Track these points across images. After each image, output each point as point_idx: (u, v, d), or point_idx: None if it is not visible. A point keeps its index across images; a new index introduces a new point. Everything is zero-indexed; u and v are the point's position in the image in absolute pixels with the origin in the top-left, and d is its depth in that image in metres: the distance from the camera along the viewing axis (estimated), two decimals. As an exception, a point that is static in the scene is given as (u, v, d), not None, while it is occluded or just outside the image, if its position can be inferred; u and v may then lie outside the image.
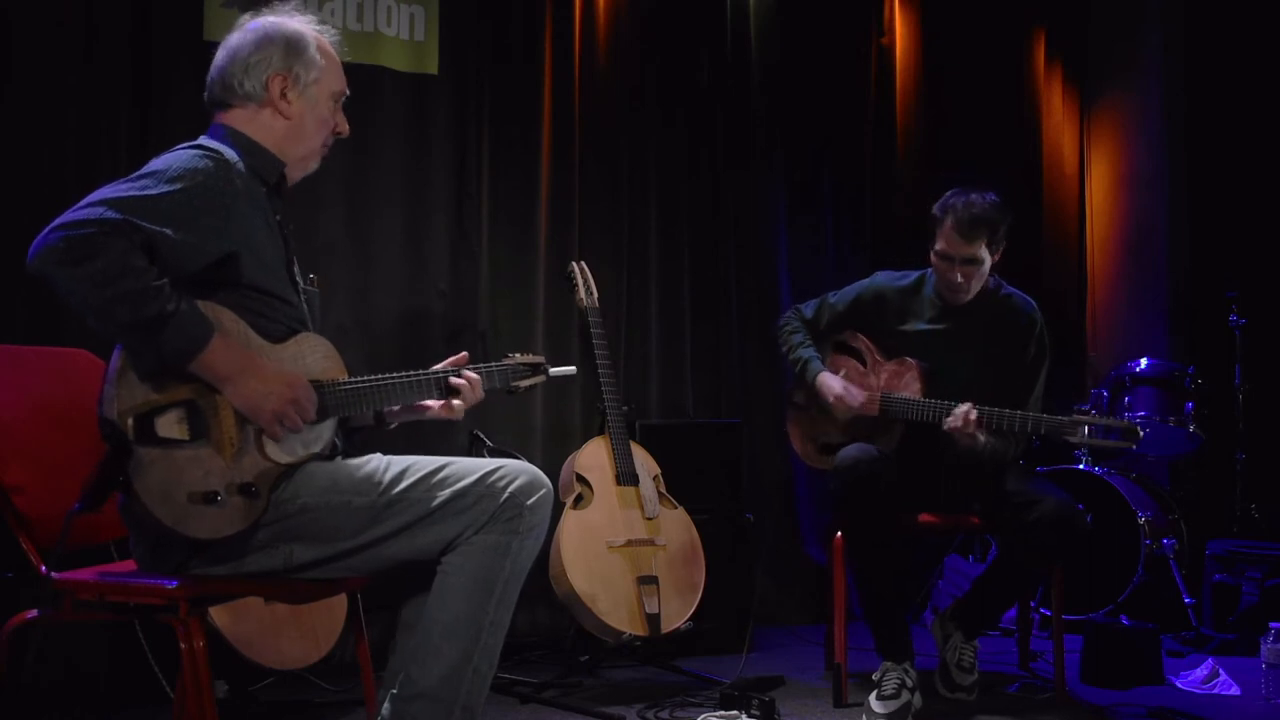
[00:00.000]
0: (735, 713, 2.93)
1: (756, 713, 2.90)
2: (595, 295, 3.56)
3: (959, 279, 3.19)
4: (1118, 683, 3.40)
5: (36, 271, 1.75)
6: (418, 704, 1.95)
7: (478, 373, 2.27)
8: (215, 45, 3.36)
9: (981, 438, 3.06)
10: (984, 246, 3.16)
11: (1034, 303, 3.32)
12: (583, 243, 4.10)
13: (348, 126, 2.21)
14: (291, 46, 2.09)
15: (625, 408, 3.52)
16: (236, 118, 2.08)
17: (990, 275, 3.29)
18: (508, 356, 2.37)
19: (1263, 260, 4.92)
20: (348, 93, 2.20)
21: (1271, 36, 5.02)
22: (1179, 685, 3.44)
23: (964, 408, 3.04)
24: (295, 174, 2.17)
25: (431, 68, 3.81)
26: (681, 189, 4.39)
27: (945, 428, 3.06)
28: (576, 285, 3.57)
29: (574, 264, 3.64)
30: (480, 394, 2.27)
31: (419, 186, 3.80)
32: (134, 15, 3.31)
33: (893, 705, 2.91)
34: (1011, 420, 3.04)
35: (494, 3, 3.96)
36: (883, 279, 3.42)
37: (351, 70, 3.75)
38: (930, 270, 3.30)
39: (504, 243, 3.97)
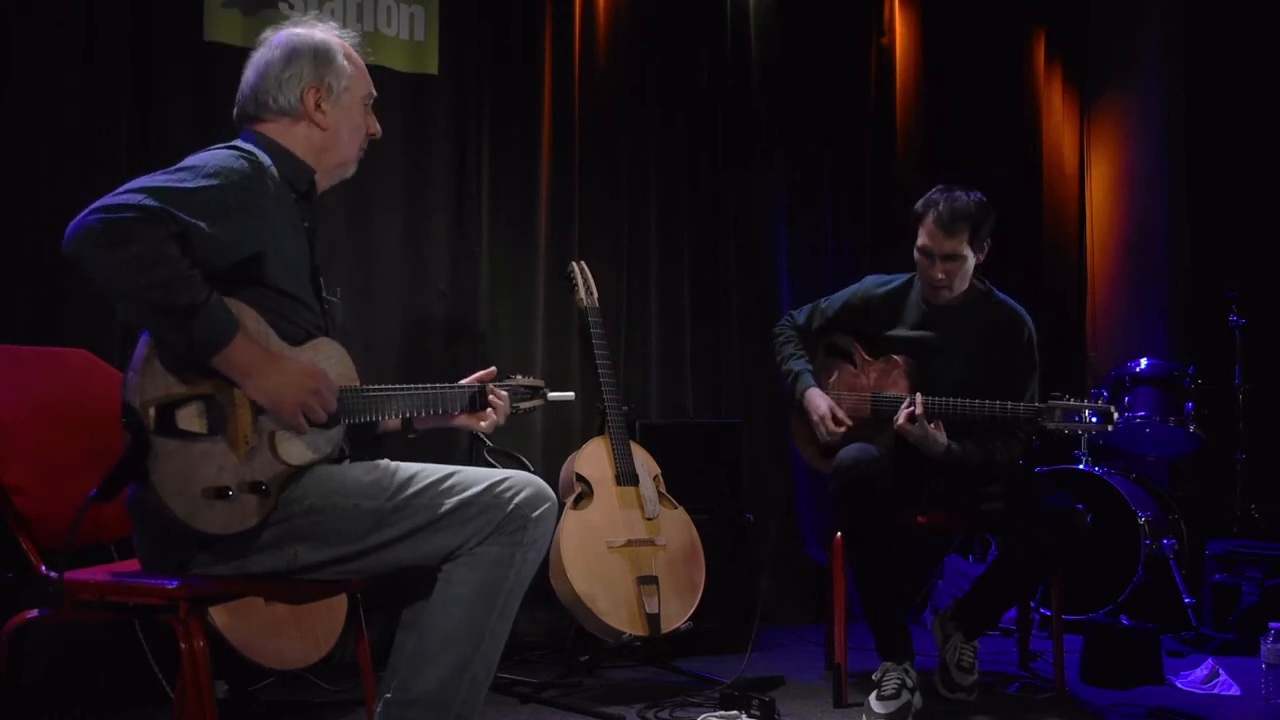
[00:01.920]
0: (735, 713, 2.93)
1: (756, 713, 2.90)
2: (595, 295, 3.56)
3: (940, 275, 3.16)
4: (1118, 683, 3.40)
5: (73, 254, 1.75)
6: (413, 711, 1.96)
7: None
8: (216, 46, 3.41)
9: (942, 438, 3.05)
10: (965, 243, 3.13)
11: (1025, 312, 3.27)
12: (583, 243, 4.10)
13: (379, 128, 2.22)
14: (320, 57, 2.10)
15: (625, 408, 3.52)
16: (270, 129, 2.09)
17: (981, 280, 3.28)
18: (510, 378, 2.39)
19: (1263, 260, 4.93)
20: (375, 94, 2.21)
21: (1271, 36, 5.02)
22: (1179, 685, 3.44)
23: (905, 403, 3.05)
24: (330, 181, 2.19)
25: (431, 68, 3.81)
26: (681, 189, 4.39)
27: (895, 429, 3.06)
28: (576, 285, 3.57)
29: (574, 264, 3.64)
30: (507, 412, 2.32)
31: (419, 186, 3.79)
32: (134, 15, 3.31)
33: (893, 705, 2.91)
34: (968, 409, 3.03)
35: (494, 3, 3.95)
36: (870, 283, 3.41)
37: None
38: (918, 274, 3.29)
39: (504, 243, 3.97)
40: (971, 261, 3.18)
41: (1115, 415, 3.00)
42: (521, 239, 4.00)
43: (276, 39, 2.12)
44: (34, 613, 2.02)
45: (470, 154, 3.89)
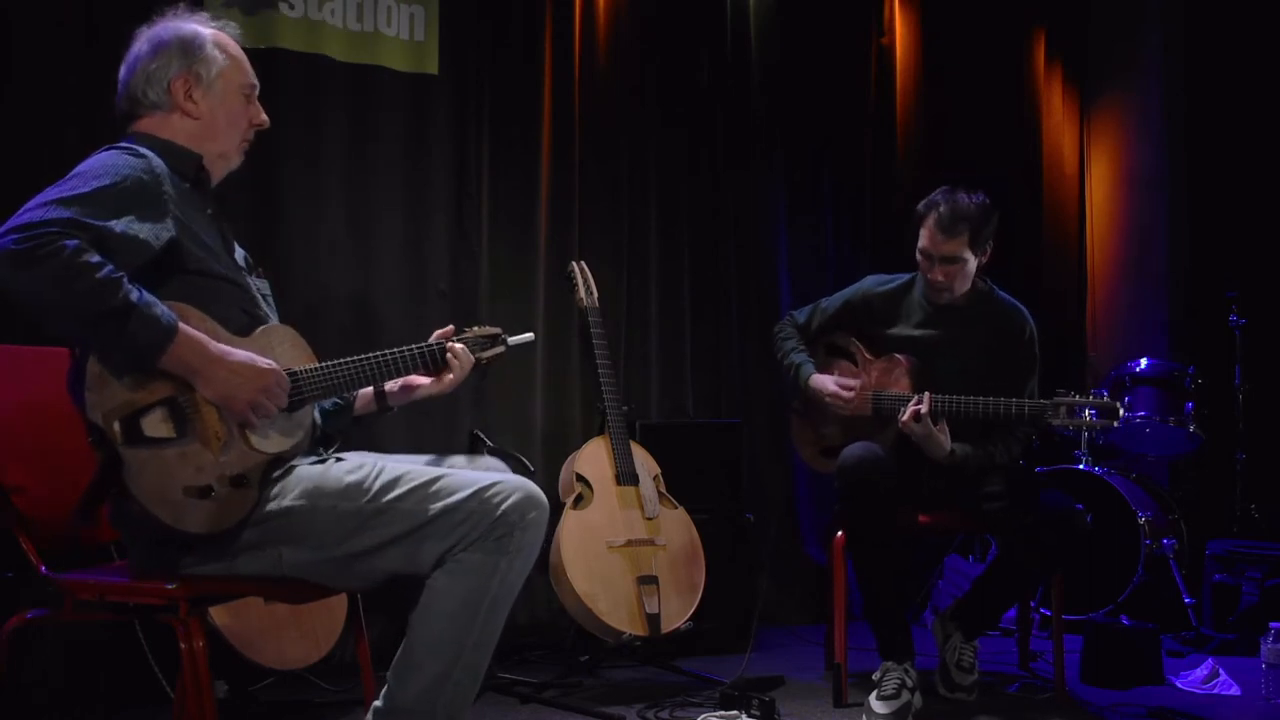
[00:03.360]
0: (735, 713, 2.93)
1: (756, 713, 2.90)
2: (595, 295, 3.56)
3: (940, 278, 3.17)
4: (1118, 683, 3.40)
5: None
6: (397, 718, 1.95)
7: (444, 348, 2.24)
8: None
9: (945, 440, 3.05)
10: (965, 246, 3.13)
11: (1026, 311, 3.28)
12: (583, 243, 4.10)
13: (266, 118, 2.18)
14: (187, 47, 2.08)
15: (625, 408, 3.52)
16: (147, 125, 2.08)
17: (982, 279, 3.28)
18: (466, 330, 2.32)
19: (1263, 260, 4.93)
20: (256, 84, 2.17)
21: (1271, 36, 5.02)
22: (1179, 685, 3.44)
23: (912, 400, 3.05)
24: (217, 172, 2.15)
25: (431, 68, 3.81)
26: (681, 189, 4.39)
27: (900, 425, 3.06)
28: (576, 285, 3.57)
29: (574, 264, 3.64)
30: (469, 364, 2.25)
31: (419, 186, 3.79)
32: (134, 15, 3.30)
33: (893, 705, 2.91)
34: (972, 407, 3.04)
35: (494, 3, 3.95)
36: (871, 282, 3.41)
37: (351, 70, 3.76)
38: (919, 273, 3.29)
39: (504, 243, 3.97)
40: (973, 264, 3.18)
41: (1120, 411, 3.00)
42: (521, 239, 4.00)
43: (147, 34, 2.11)
44: (34, 613, 2.02)
45: (470, 154, 3.89)
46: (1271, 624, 3.33)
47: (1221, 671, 3.47)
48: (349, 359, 2.10)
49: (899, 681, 2.96)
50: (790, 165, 4.65)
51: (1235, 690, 3.39)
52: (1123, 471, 4.39)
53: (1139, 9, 5.44)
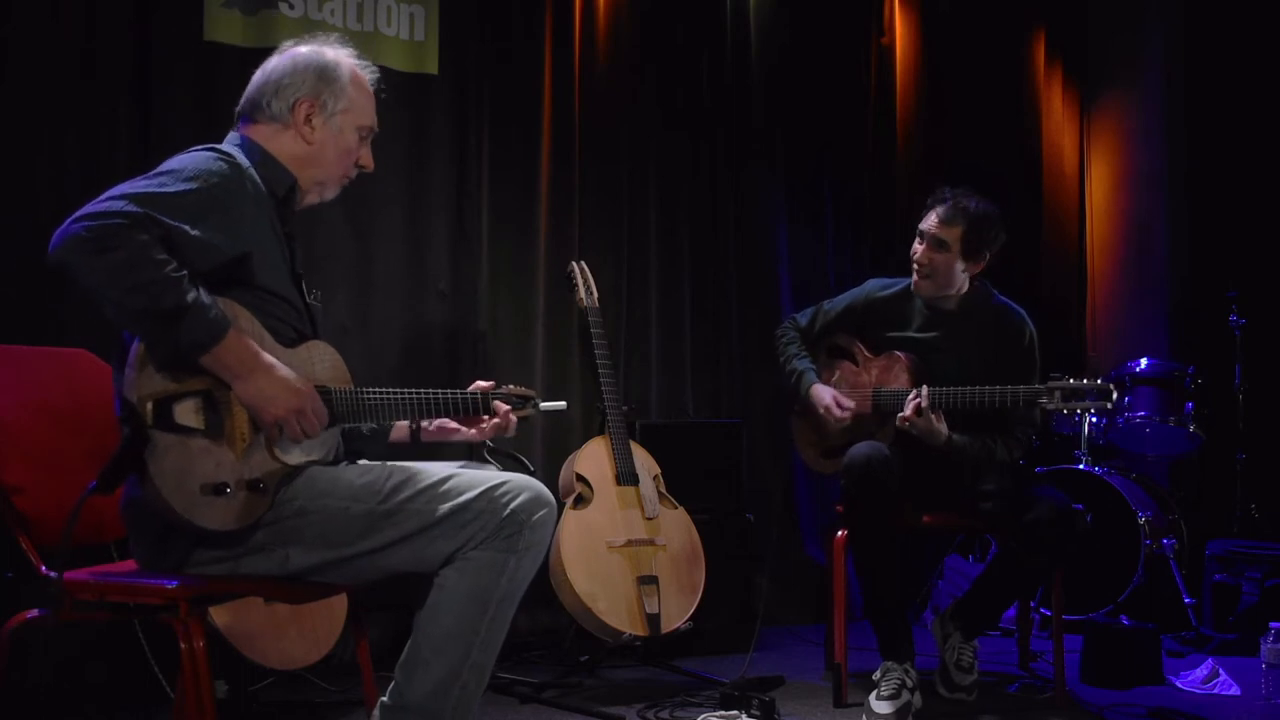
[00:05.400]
0: (735, 713, 2.93)
1: (756, 713, 2.91)
2: (595, 295, 3.56)
3: (922, 257, 3.21)
4: (1118, 683, 3.40)
5: (57, 261, 1.77)
6: (404, 716, 1.96)
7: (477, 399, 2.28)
8: (216, 46, 3.41)
9: (943, 429, 3.06)
10: (957, 239, 3.16)
11: (1026, 315, 3.29)
12: (583, 243, 4.10)
13: (372, 162, 2.23)
14: (324, 74, 2.12)
15: (625, 408, 3.52)
16: (259, 133, 2.12)
17: (981, 282, 3.29)
18: (503, 387, 2.36)
19: (1263, 260, 4.93)
20: (376, 128, 2.22)
21: (1271, 36, 5.02)
22: (1179, 685, 3.44)
23: (911, 395, 3.05)
24: (309, 198, 2.19)
25: (431, 68, 3.81)
26: (681, 189, 4.39)
27: (898, 423, 3.06)
28: (576, 285, 3.57)
29: (574, 264, 3.64)
30: (510, 422, 2.31)
31: (419, 186, 3.79)
32: (134, 15, 3.30)
33: (893, 705, 2.91)
34: (969, 397, 3.03)
35: (494, 3, 3.96)
36: (873, 286, 3.43)
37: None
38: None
39: (504, 243, 3.97)
40: (959, 266, 3.20)
41: (1113, 392, 3.01)
42: (521, 239, 4.00)
43: (291, 50, 2.15)
44: (34, 613, 2.02)
45: (470, 154, 3.89)
46: (1271, 624, 3.34)
47: (1221, 671, 3.47)
48: (387, 390, 2.13)
49: (899, 681, 2.96)
50: (790, 165, 4.65)
51: (1235, 690, 3.39)
52: (1123, 471, 4.39)
53: (1139, 8, 5.45)
